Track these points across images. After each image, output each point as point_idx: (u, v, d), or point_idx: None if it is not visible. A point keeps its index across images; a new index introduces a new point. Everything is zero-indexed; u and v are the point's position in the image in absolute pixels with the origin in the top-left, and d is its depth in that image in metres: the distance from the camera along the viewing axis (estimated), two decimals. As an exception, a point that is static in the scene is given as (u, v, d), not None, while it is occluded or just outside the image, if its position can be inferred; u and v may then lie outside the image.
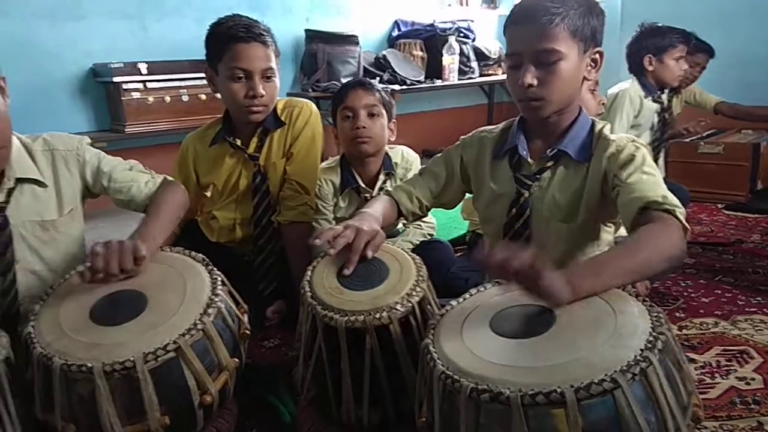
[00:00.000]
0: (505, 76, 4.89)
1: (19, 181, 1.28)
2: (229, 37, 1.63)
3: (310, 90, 3.62)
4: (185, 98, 3.17)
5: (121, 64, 2.98)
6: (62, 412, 1.02)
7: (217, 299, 1.13)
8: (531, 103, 1.20)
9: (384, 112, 1.77)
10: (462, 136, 1.44)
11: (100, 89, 3.16)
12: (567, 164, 1.26)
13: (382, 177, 1.81)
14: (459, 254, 2.02)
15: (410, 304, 1.06)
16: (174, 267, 1.20)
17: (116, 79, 2.96)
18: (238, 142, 1.74)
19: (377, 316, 1.03)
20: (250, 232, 1.79)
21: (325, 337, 1.08)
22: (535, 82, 1.17)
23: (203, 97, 3.19)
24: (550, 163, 1.26)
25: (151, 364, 1.00)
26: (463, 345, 0.89)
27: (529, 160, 1.28)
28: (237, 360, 1.15)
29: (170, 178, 1.46)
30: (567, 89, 1.20)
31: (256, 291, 1.76)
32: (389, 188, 1.48)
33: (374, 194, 1.78)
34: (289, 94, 3.67)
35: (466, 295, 1.04)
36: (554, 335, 0.86)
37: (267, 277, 1.77)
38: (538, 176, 1.27)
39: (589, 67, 1.23)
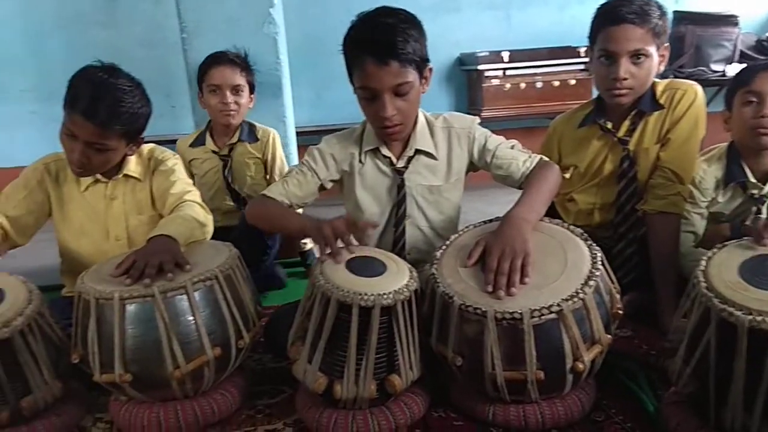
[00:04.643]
0: None
1: (418, 151, 1.51)
2: (604, 19, 1.60)
3: (671, 77, 3.31)
4: (539, 85, 3.27)
5: (486, 53, 3.25)
6: (453, 346, 1.19)
7: (597, 273, 1.15)
8: None
9: None
10: None
11: (463, 76, 3.50)
12: None
13: None
14: None
15: (844, 317, 0.90)
16: (554, 237, 1.26)
17: (480, 67, 3.23)
18: (609, 125, 1.70)
19: (794, 322, 0.90)
20: (610, 217, 1.75)
21: (718, 333, 1.00)
22: None
23: (556, 83, 3.25)
24: None
25: (534, 320, 1.09)
26: None
27: None
28: (610, 336, 1.16)
29: (546, 158, 1.51)
30: None
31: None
32: None
33: (765, 192, 1.56)
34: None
35: None
36: None
37: (626, 266, 1.71)
38: None
39: None
